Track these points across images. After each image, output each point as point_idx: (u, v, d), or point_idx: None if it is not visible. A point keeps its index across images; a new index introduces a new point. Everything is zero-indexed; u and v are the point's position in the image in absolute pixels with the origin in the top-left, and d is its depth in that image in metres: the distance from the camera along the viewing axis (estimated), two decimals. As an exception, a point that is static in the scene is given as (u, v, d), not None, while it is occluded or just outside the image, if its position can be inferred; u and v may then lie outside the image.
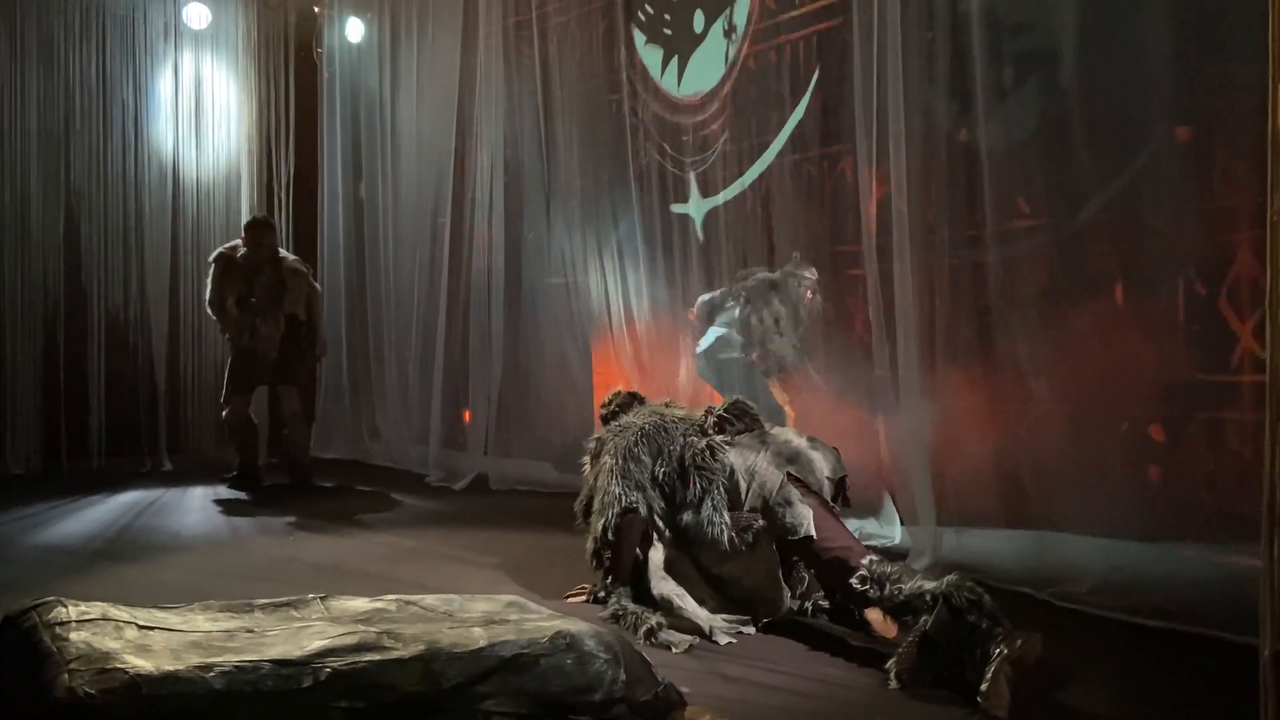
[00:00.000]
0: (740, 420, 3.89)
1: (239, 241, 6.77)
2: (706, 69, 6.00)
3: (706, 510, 3.64)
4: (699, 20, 6.06)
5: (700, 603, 3.61)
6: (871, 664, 3.12)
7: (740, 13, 5.80)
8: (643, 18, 6.35)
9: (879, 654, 3.13)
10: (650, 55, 6.31)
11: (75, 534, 5.29)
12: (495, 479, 6.58)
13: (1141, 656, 3.31)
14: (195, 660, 2.22)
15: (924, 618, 3.01)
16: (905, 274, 4.37)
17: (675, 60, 6.20)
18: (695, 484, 3.70)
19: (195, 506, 6.14)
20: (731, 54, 5.82)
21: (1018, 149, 4.25)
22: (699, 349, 5.61)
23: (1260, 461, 1.94)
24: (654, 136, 6.17)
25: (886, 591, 3.16)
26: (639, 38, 6.36)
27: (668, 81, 6.22)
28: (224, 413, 6.85)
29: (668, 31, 6.26)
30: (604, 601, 3.74)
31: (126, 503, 6.19)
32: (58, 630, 2.32)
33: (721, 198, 5.79)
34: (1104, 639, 3.47)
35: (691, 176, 5.96)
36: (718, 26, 5.95)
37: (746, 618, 3.58)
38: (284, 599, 2.74)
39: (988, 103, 4.25)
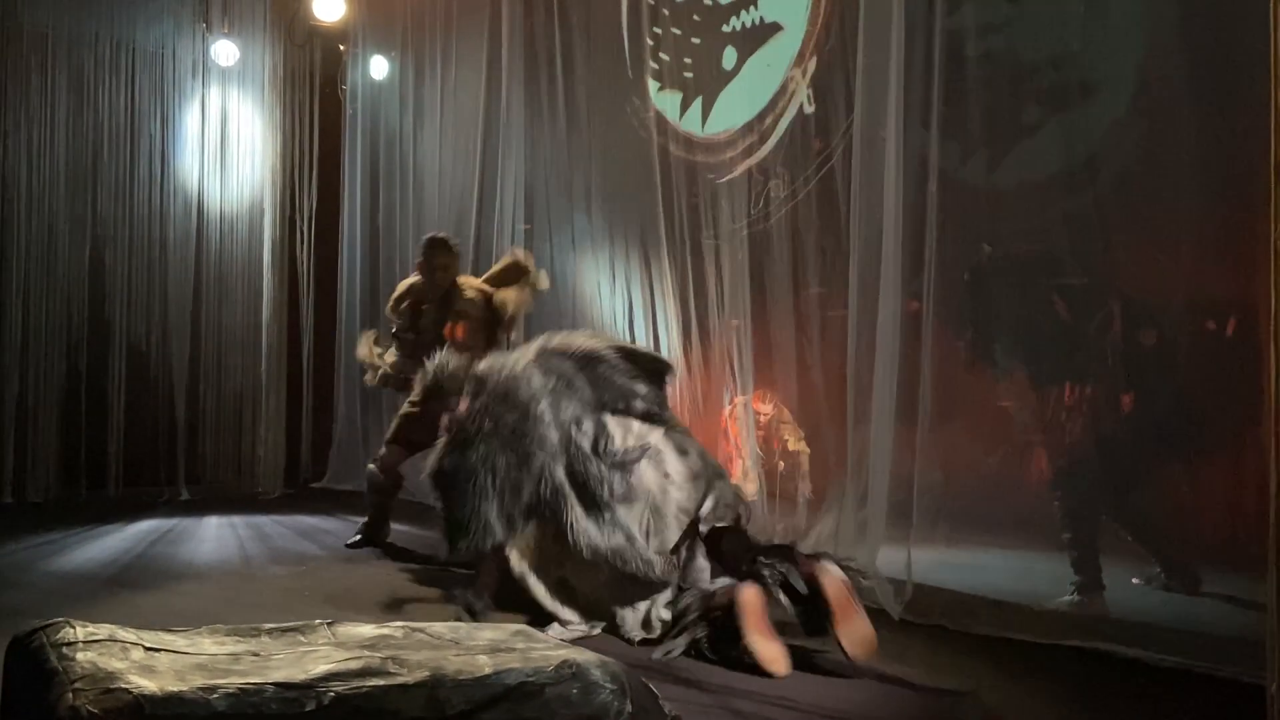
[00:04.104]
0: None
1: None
2: (738, 105, 6.03)
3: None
4: (730, 57, 6.09)
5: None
6: (889, 698, 3.09)
7: (783, 47, 5.82)
8: (656, 65, 6.39)
9: (898, 688, 3.11)
10: (667, 100, 6.34)
11: (90, 561, 5.31)
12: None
13: (1142, 694, 3.27)
14: (200, 682, 2.21)
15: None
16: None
17: (699, 101, 6.23)
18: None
19: (210, 535, 6.16)
20: (776, 86, 5.82)
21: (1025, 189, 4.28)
22: None
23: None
24: (681, 175, 6.19)
25: None
26: (652, 85, 6.40)
27: (690, 123, 6.25)
28: (372, 464, 5.76)
29: (688, 75, 6.30)
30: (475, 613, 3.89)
31: (142, 531, 6.21)
32: (65, 650, 2.32)
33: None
34: (1109, 677, 3.42)
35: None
36: (756, 60, 5.97)
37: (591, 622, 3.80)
38: (291, 624, 2.73)
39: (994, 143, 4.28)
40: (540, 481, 3.81)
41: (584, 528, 3.79)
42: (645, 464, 3.98)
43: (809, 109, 5.59)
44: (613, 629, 3.82)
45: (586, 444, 3.91)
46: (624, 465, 3.90)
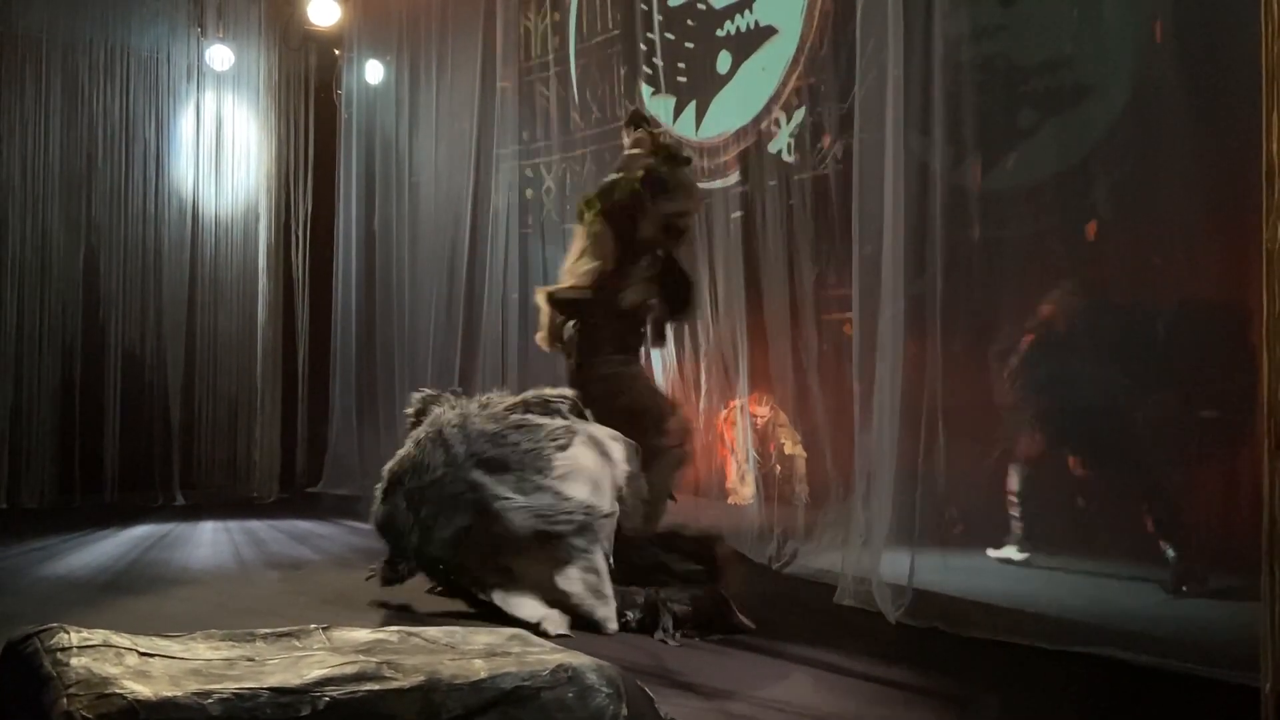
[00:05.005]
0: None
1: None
2: (733, 109, 6.03)
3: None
4: (724, 61, 6.09)
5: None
6: (885, 701, 3.08)
7: (779, 50, 5.82)
8: (649, 70, 6.40)
9: (893, 690, 3.09)
10: (661, 105, 6.34)
11: (85, 566, 5.29)
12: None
13: (1139, 698, 3.27)
14: (194, 687, 2.20)
15: None
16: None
17: (693, 105, 6.23)
18: None
19: (205, 540, 6.14)
20: (772, 89, 5.82)
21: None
22: None
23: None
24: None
25: None
26: (645, 90, 6.40)
27: (684, 127, 6.25)
28: None
29: (682, 79, 6.30)
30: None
31: (137, 536, 6.20)
32: (59, 655, 2.31)
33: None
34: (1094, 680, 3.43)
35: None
36: (751, 64, 5.97)
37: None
38: (286, 629, 2.72)
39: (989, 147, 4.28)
40: (460, 494, 4.00)
41: (509, 504, 3.94)
42: (582, 447, 4.10)
43: (788, 158, 5.61)
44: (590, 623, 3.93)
45: (497, 430, 4.08)
46: (559, 443, 4.03)
